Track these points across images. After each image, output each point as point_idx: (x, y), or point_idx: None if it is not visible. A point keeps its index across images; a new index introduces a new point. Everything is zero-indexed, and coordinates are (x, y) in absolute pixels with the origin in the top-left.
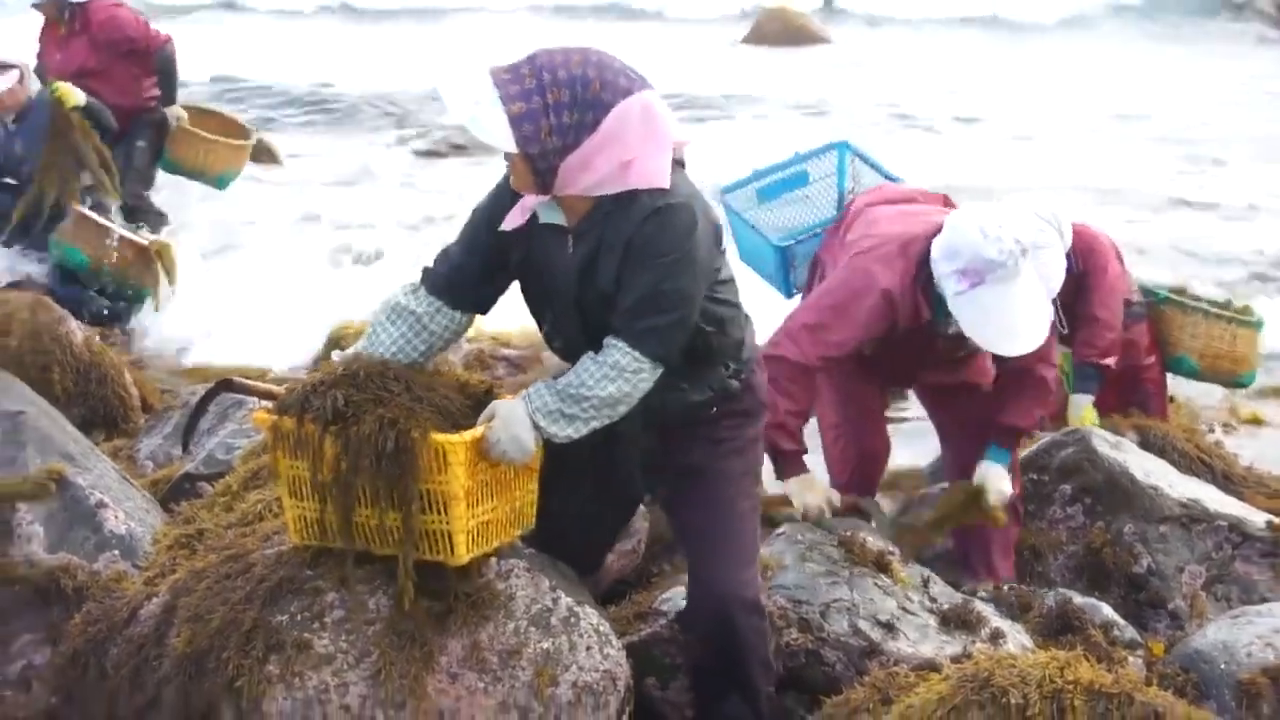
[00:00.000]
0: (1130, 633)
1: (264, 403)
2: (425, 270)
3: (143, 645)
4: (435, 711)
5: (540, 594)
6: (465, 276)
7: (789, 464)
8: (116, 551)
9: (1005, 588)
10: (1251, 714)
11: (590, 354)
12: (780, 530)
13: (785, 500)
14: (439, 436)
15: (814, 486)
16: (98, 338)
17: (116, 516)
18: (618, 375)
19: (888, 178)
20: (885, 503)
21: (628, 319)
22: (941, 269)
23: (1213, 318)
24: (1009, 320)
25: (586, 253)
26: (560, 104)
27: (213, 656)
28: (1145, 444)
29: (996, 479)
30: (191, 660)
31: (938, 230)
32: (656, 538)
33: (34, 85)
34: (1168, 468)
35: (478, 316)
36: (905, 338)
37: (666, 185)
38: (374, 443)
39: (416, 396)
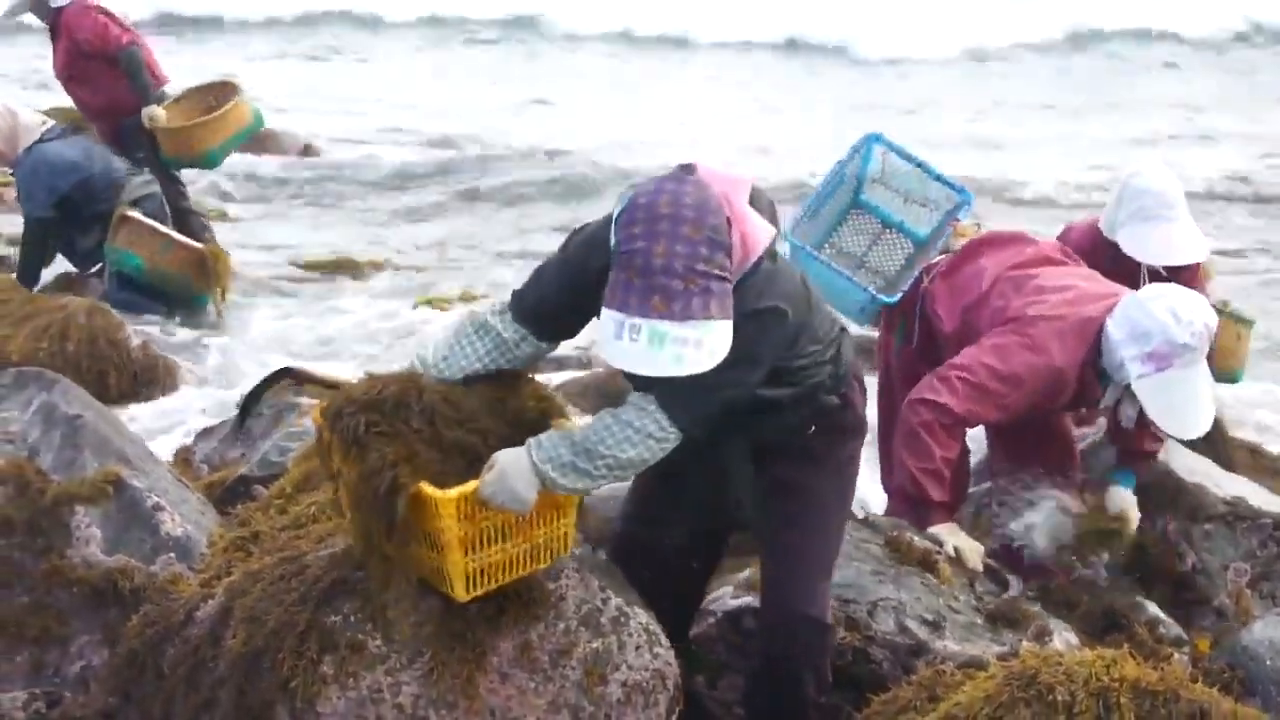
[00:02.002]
0: (1176, 630)
1: (317, 400)
2: (515, 295)
3: (199, 646)
4: (486, 711)
5: (590, 594)
6: (555, 311)
7: (937, 512)
8: (173, 553)
9: (1051, 586)
10: None
11: (611, 411)
12: None
13: (934, 541)
14: (427, 490)
15: (962, 534)
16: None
17: (173, 519)
18: (641, 440)
19: (920, 166)
20: None
21: (676, 391)
22: (1126, 351)
23: (1225, 316)
24: (1193, 405)
25: None
26: (723, 267)
27: (268, 657)
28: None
29: (1132, 508)
30: (247, 661)
31: (1110, 309)
32: None
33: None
34: (1211, 465)
35: None
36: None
37: (767, 239)
38: (371, 482)
39: (434, 435)
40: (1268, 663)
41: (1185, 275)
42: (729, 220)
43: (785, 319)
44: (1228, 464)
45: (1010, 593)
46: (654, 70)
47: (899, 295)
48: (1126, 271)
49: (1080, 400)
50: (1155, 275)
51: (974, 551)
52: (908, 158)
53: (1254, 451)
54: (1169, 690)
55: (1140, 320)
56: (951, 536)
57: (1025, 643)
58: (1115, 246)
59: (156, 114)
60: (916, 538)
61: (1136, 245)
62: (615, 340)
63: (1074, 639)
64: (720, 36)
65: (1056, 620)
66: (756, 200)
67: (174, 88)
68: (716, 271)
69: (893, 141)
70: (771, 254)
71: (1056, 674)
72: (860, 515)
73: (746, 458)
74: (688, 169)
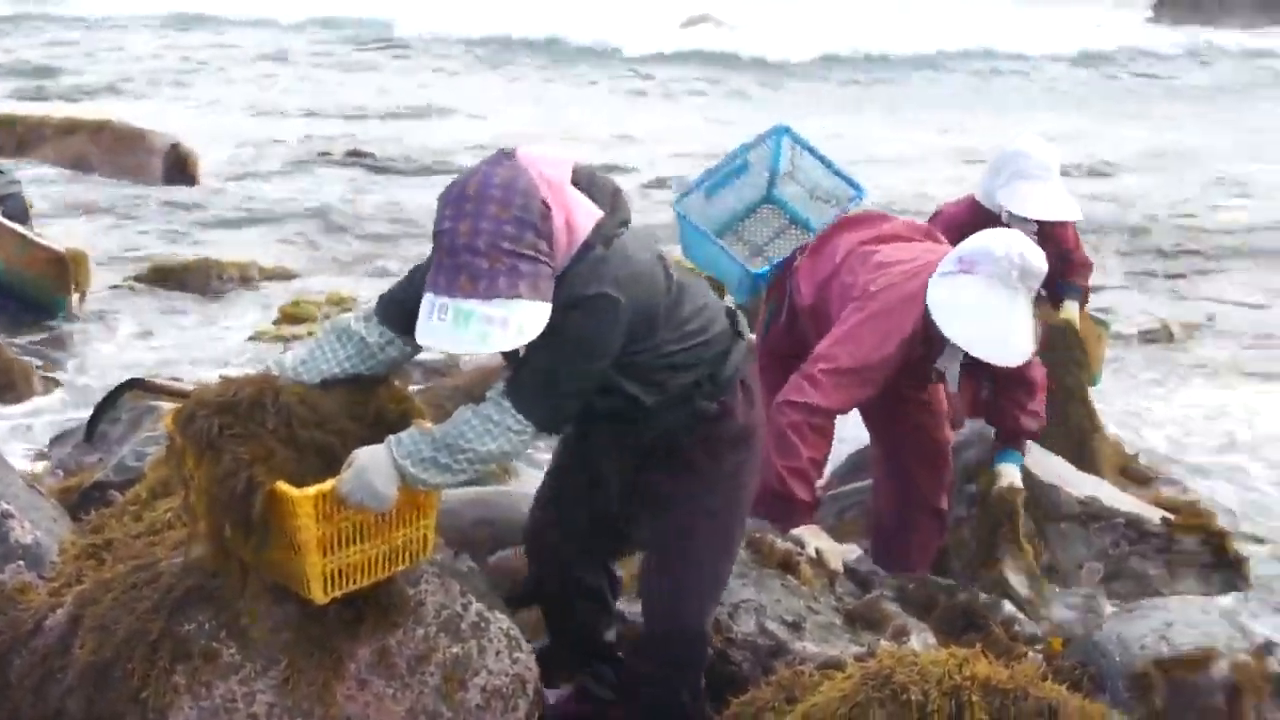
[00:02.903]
0: (1031, 628)
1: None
2: (381, 298)
3: (47, 656)
4: (343, 719)
5: (450, 599)
6: (416, 310)
7: (801, 513)
8: (22, 562)
9: (910, 586)
10: (1144, 705)
11: (471, 405)
12: None
13: (797, 543)
14: (284, 489)
15: (824, 536)
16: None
17: (23, 526)
18: (501, 434)
19: (825, 164)
20: None
21: (521, 384)
22: (947, 257)
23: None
24: (978, 318)
25: None
26: (534, 247)
27: (118, 667)
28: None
29: (1018, 479)
30: (96, 671)
31: None
32: None
33: None
34: (1066, 465)
35: None
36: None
37: (593, 223)
38: (226, 484)
39: (290, 436)
40: (1117, 659)
41: (1059, 236)
42: (547, 205)
43: (616, 305)
44: (1091, 457)
45: (870, 594)
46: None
47: (767, 267)
48: None
49: (927, 360)
50: None
51: (835, 554)
52: (812, 151)
53: (1116, 448)
54: (1019, 688)
55: (967, 243)
56: (814, 538)
57: (883, 643)
58: (991, 218)
59: None
60: (778, 540)
61: (1017, 202)
62: (427, 320)
63: (931, 639)
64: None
65: (915, 620)
66: (595, 185)
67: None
68: (527, 251)
69: (799, 135)
70: (606, 240)
71: (911, 674)
72: None
73: (621, 463)
74: (508, 154)
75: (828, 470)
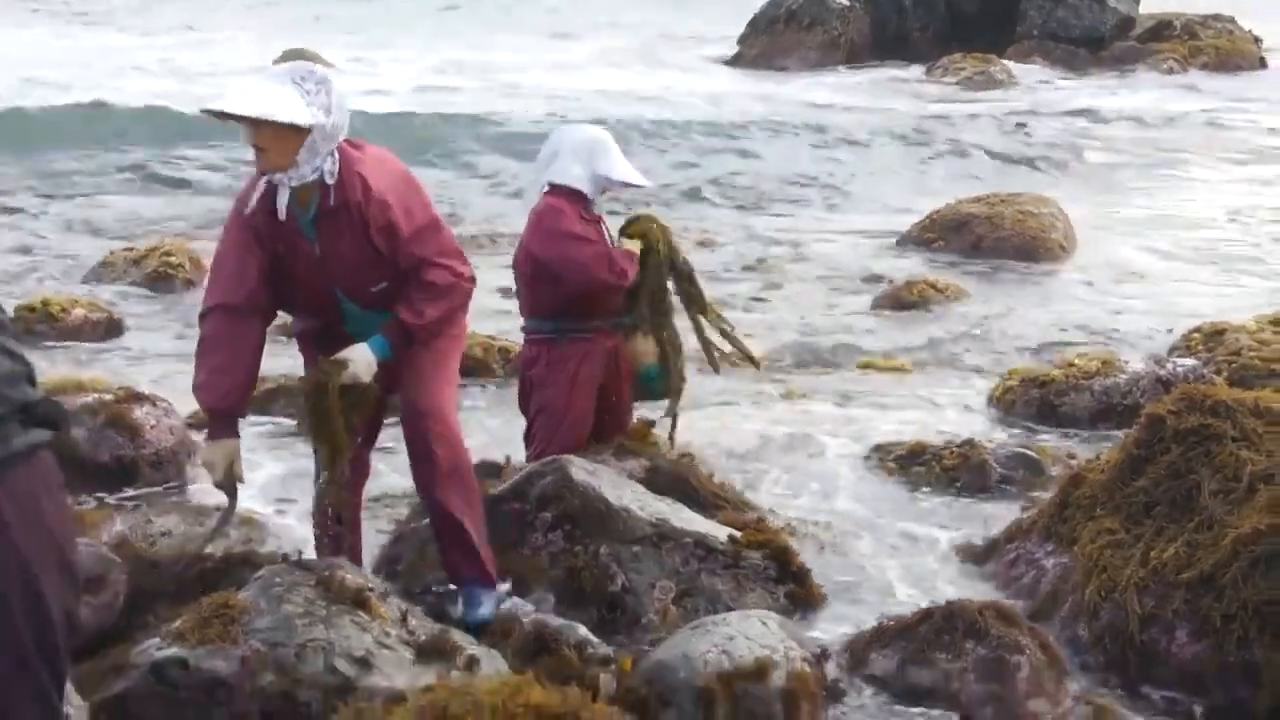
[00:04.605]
0: (604, 650)
1: None
2: None
3: None
4: None
5: None
6: None
7: (214, 424)
8: None
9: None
10: (708, 718)
11: None
12: (258, 574)
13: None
14: None
15: (218, 454)
16: None
17: None
18: None
19: None
20: None
21: None
22: None
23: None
24: (239, 89)
25: None
26: None
27: None
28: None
29: (359, 355)
30: None
31: None
32: (137, 589)
33: None
34: (639, 489)
35: None
36: (287, 261)
37: None
38: None
39: None
40: (681, 675)
41: None
42: None
43: None
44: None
45: (441, 626)
46: None
47: None
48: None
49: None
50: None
51: (218, 466)
52: None
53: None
54: (570, 712)
55: None
56: (213, 455)
57: (454, 673)
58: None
59: None
60: (349, 576)
61: (628, 173)
62: None
63: (504, 666)
64: None
65: (486, 650)
66: None
67: None
68: None
69: None
70: None
71: (465, 704)
72: (294, 557)
73: None
74: None
75: None
